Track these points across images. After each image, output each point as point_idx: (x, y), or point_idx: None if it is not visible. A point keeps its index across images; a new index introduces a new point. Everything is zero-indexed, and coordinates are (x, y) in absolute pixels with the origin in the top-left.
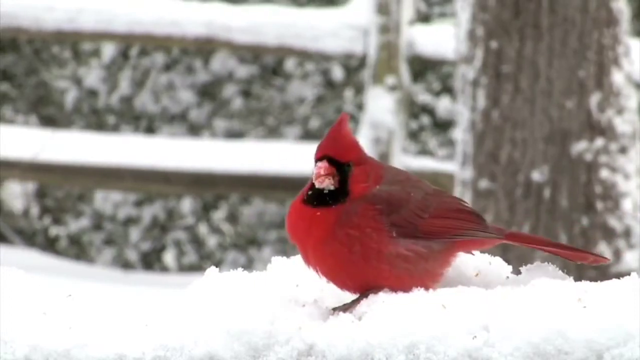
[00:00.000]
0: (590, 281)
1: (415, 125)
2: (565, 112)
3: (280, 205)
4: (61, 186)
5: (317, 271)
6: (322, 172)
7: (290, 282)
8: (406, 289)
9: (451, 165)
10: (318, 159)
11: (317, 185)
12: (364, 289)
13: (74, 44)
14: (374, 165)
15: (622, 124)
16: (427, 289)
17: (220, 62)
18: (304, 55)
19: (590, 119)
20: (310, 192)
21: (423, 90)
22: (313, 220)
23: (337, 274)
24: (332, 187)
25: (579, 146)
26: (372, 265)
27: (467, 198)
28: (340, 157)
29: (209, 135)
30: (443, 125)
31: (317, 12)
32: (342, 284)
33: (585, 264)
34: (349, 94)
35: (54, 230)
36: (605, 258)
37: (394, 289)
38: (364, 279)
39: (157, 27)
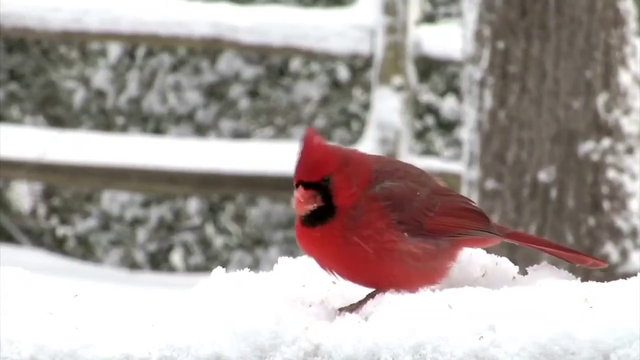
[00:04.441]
0: (597, 281)
1: (422, 125)
2: (572, 112)
3: (287, 206)
4: (68, 186)
5: (338, 276)
6: (301, 200)
7: (297, 283)
8: (414, 286)
9: (458, 165)
10: (295, 185)
11: (298, 213)
12: (377, 285)
13: (81, 44)
14: (357, 164)
15: (629, 125)
16: (434, 284)
17: (227, 63)
18: (310, 56)
19: (597, 119)
20: (304, 216)
21: (429, 90)
22: (320, 240)
23: (359, 276)
24: (312, 209)
25: (586, 146)
26: (384, 263)
27: (474, 198)
28: (313, 177)
29: (215, 136)
30: (449, 126)
31: (323, 13)
32: (363, 282)
33: (584, 266)
34: (355, 94)
35: (61, 231)
36: (603, 262)
37: (403, 286)
38: (378, 276)
39: (163, 28)
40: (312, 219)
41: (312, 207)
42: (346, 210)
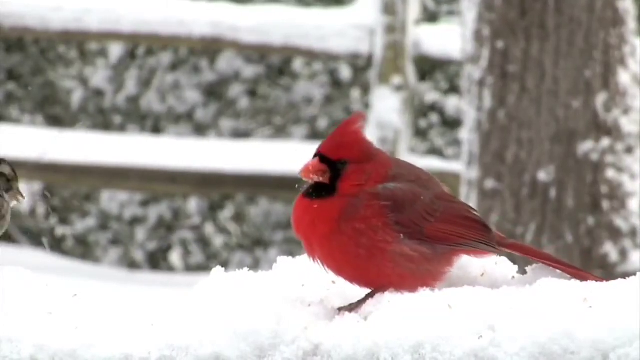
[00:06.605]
0: (596, 281)
1: (424, 124)
2: (572, 112)
3: (287, 206)
4: (67, 186)
5: (322, 265)
6: (310, 168)
7: (296, 282)
8: (408, 288)
9: (458, 164)
10: (314, 156)
11: (300, 176)
12: (368, 284)
13: (81, 43)
14: (379, 164)
15: (628, 124)
16: (429, 288)
17: (227, 62)
18: (310, 55)
19: (596, 119)
20: (308, 187)
21: (431, 89)
22: (317, 214)
23: (344, 268)
24: (315, 180)
25: (585, 146)
26: (376, 262)
27: (473, 198)
28: (332, 155)
29: (215, 135)
30: (452, 125)
31: (323, 12)
32: (348, 277)
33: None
34: (355, 93)
35: (60, 230)
36: (603, 279)
37: (396, 287)
38: (368, 274)
39: (164, 27)
40: (314, 194)
41: (316, 178)
42: (347, 197)
